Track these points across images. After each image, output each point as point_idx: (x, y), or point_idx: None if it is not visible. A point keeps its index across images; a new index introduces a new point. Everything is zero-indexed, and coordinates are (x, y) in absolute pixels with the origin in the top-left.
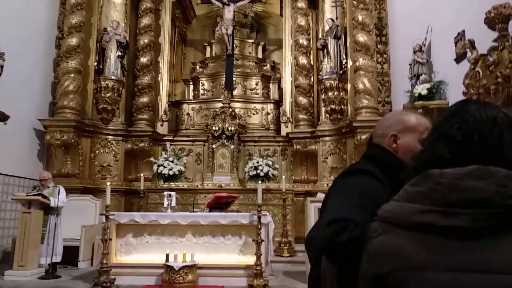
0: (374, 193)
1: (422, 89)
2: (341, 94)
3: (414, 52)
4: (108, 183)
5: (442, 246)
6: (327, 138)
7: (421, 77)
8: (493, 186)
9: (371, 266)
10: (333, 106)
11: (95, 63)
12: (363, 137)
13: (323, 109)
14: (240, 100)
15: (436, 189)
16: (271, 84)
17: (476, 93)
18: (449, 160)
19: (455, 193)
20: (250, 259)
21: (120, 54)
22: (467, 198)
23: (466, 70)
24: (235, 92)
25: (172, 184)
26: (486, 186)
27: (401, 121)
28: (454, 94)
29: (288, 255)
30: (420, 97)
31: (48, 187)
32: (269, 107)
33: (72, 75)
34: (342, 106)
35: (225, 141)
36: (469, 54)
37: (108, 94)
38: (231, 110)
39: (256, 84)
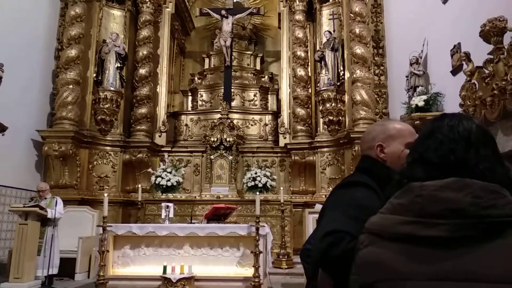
0: (368, 204)
1: (419, 100)
2: (339, 105)
3: (411, 64)
4: (105, 194)
5: (423, 256)
6: (325, 149)
7: (418, 89)
8: (468, 197)
9: (358, 277)
10: (331, 117)
11: (94, 75)
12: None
13: (321, 120)
14: (238, 111)
15: (416, 201)
16: (269, 96)
17: (473, 105)
18: (427, 179)
19: (434, 204)
20: (248, 271)
21: (119, 65)
22: (445, 209)
23: (462, 82)
24: (233, 103)
25: (170, 195)
26: (463, 197)
27: (383, 131)
28: (451, 105)
29: (286, 267)
30: (417, 108)
31: (46, 198)
32: (267, 118)
33: (70, 86)
34: (340, 117)
35: (223, 152)
36: (465, 66)
37: (107, 105)
38: (229, 121)
39: (254, 95)
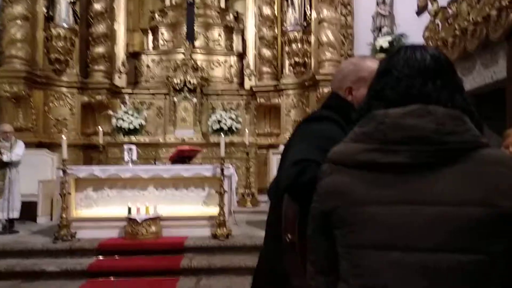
0: (335, 138)
1: (383, 41)
2: (305, 46)
3: (377, 4)
4: (63, 136)
5: (382, 182)
6: (290, 92)
7: (383, 30)
8: (432, 124)
9: (318, 204)
10: (296, 59)
11: (44, 10)
12: (326, 90)
13: (287, 62)
14: (202, 51)
15: (379, 129)
16: (234, 36)
17: (435, 46)
18: None
19: (397, 131)
20: (214, 210)
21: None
22: (407, 136)
23: (426, 23)
24: (196, 43)
25: (133, 138)
26: (426, 124)
27: (355, 72)
28: None
29: (251, 205)
30: (382, 50)
31: (8, 141)
32: (232, 59)
33: (18, 21)
34: (306, 59)
35: (187, 94)
36: (430, 6)
37: (60, 44)
38: (192, 62)
39: (219, 35)
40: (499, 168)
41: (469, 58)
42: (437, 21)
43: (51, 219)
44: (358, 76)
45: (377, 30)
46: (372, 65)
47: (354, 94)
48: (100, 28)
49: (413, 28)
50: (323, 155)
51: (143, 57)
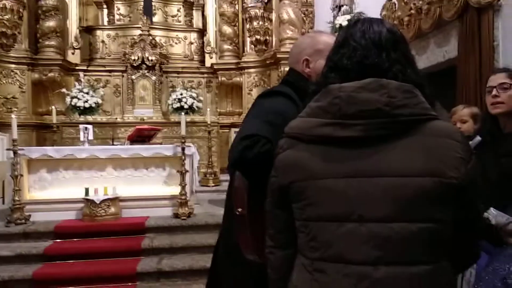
0: (286, 112)
1: (343, 20)
2: (266, 24)
3: None
4: (13, 116)
5: (338, 156)
6: (252, 70)
7: (342, 8)
8: (384, 97)
9: (276, 179)
10: (258, 37)
11: None
12: (287, 69)
13: (248, 39)
14: (161, 27)
15: (334, 103)
16: (194, 11)
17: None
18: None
19: (351, 105)
20: (175, 190)
21: None
22: (361, 110)
23: (384, 1)
24: (155, 19)
25: (89, 118)
26: (379, 97)
27: (311, 45)
28: None
29: (213, 184)
30: (341, 28)
31: None
32: (193, 36)
33: None
34: (267, 37)
35: (145, 71)
36: None
37: (6, 16)
38: (151, 38)
39: (178, 10)
40: (446, 139)
41: (423, 37)
42: (394, 0)
43: (3, 202)
44: (315, 48)
45: (337, 8)
46: (328, 39)
47: (311, 66)
48: (50, 0)
49: (371, 6)
50: (272, 129)
51: (98, 32)
